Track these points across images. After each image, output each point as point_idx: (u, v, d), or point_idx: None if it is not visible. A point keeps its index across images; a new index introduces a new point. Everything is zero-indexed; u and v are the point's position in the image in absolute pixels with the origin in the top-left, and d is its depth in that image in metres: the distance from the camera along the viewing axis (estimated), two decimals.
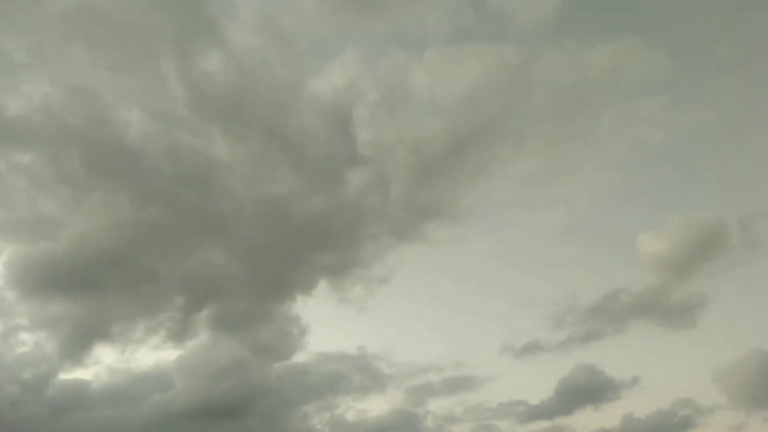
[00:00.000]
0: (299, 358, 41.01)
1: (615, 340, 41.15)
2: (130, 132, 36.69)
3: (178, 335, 37.30)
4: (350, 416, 40.20)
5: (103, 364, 37.62)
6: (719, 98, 44.51)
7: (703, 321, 39.04)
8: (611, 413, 39.29)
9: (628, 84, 46.17)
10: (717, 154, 45.43)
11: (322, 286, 41.84)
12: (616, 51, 45.39)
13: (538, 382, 43.12)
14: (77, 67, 36.93)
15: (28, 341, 35.32)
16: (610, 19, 47.90)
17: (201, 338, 38.43)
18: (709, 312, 38.90)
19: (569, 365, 41.38)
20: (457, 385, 42.43)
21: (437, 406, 42.28)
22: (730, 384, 36.24)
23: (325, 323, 44.43)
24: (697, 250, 39.85)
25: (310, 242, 40.76)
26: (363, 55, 45.99)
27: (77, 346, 35.29)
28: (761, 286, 38.69)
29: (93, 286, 35.40)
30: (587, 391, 39.87)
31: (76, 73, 36.98)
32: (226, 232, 38.51)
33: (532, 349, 42.09)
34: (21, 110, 34.39)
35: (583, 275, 47.69)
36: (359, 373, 41.86)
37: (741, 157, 43.68)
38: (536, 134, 47.17)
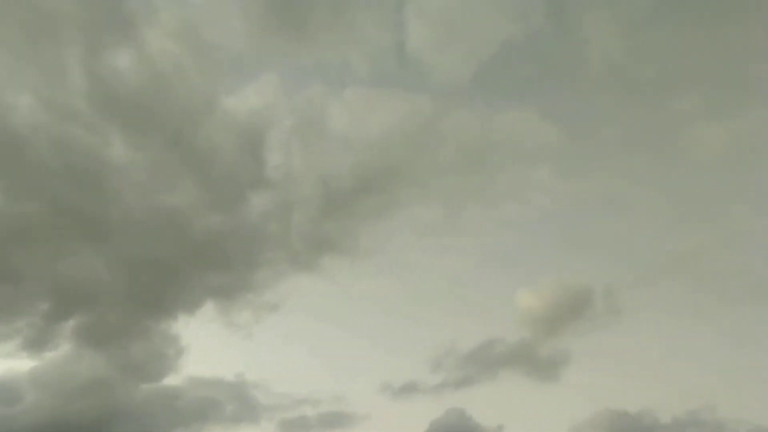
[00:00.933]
0: (171, 380, 39.34)
1: (486, 388, 43.92)
2: (15, 118, 34.18)
3: (36, 344, 34.18)
4: None
5: None
6: (602, 174, 50.36)
7: (565, 377, 42.89)
8: None
9: (524, 150, 50.95)
10: (593, 225, 50.94)
11: (209, 307, 40.96)
12: (517, 118, 50.27)
13: (411, 422, 44.46)
14: None
15: None
16: (515, 89, 52.84)
17: (62, 350, 35.52)
18: (571, 369, 42.87)
19: (441, 408, 43.41)
20: (333, 420, 42.62)
21: None
22: None
23: (206, 346, 42.96)
24: (566, 310, 44.14)
25: (202, 260, 39.82)
26: (284, 81, 46.95)
27: None
28: (617, 350, 43.27)
29: None
30: None
31: None
32: (110, 238, 36.48)
33: (409, 389, 43.76)
34: None
35: (465, 322, 50.56)
36: (234, 401, 40.75)
37: (613, 231, 49.32)
38: (439, 184, 50.33)
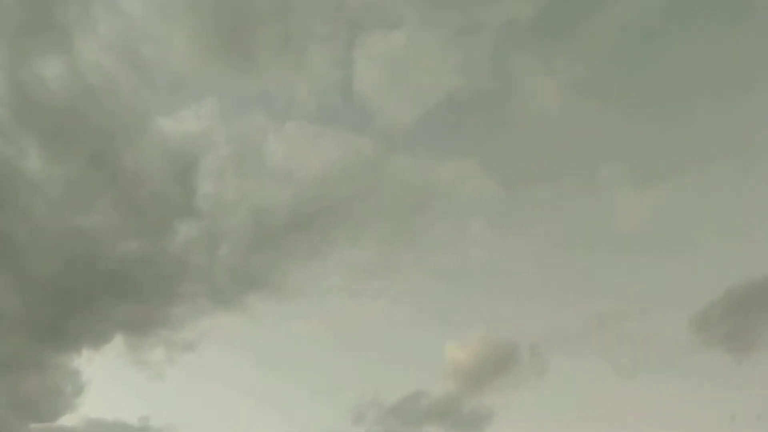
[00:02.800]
0: (66, 421, 36.56)
1: None
2: None
3: None
4: None
5: None
6: (535, 232, 52.77)
7: None
8: None
9: (462, 201, 52.73)
10: (525, 281, 52.87)
11: (117, 341, 38.69)
12: (457, 169, 52.08)
13: None
14: None
15: None
16: (457, 140, 55.01)
17: None
18: (494, 426, 43.51)
19: None
20: None
21: None
22: None
23: (110, 385, 40.30)
24: (493, 365, 45.05)
25: (115, 290, 37.69)
26: (224, 108, 46.56)
27: None
28: (540, 408, 44.41)
29: None
30: None
31: None
32: (12, 257, 34.00)
33: None
34: None
35: (392, 372, 50.41)
36: None
37: (543, 289, 51.34)
38: (375, 229, 50.84)
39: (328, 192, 48.22)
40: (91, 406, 41.27)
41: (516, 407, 43.00)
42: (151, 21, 43.79)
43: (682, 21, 47.62)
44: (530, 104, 52.00)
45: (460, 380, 45.51)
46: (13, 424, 33.13)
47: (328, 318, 50.77)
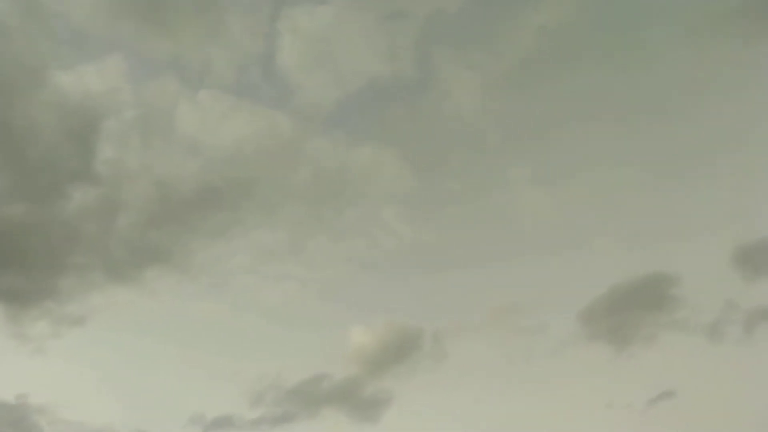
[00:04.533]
0: None
1: (306, 426, 44.24)
2: None
3: None
4: None
5: None
6: (443, 224, 55.01)
7: (386, 417, 45.13)
8: None
9: (376, 188, 53.85)
10: (431, 271, 55.04)
11: None
12: (374, 155, 53.04)
13: None
14: None
15: None
16: (376, 126, 55.84)
17: None
18: (392, 410, 45.29)
19: None
20: None
21: None
22: None
23: None
24: (395, 350, 46.81)
25: None
26: (132, 69, 44.18)
27: None
28: (439, 393, 46.70)
29: None
30: None
31: None
32: None
33: (223, 423, 42.22)
34: None
35: (295, 355, 50.68)
36: (10, 427, 35.77)
37: (447, 280, 53.77)
38: (287, 210, 50.69)
39: (240, 168, 47.42)
40: None
41: (415, 391, 45.11)
42: None
43: (598, 29, 51.49)
44: (449, 97, 54.01)
45: (362, 365, 46.94)
46: None
47: (232, 299, 50.08)
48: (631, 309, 44.32)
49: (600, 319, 43.70)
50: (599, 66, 52.26)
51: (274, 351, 51.32)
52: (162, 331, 48.64)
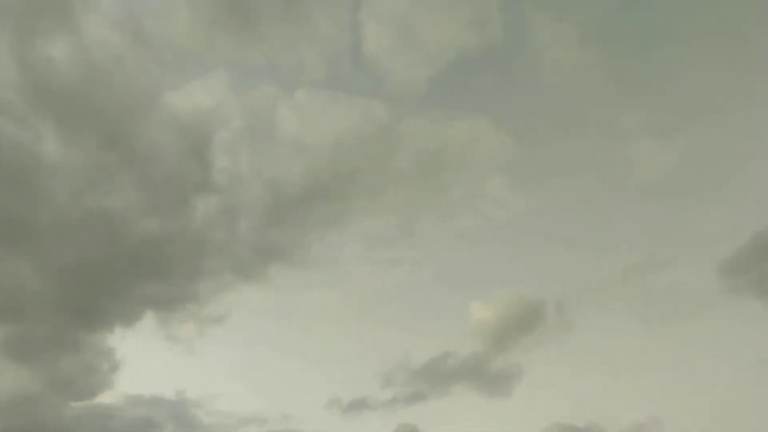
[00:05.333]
0: (105, 398, 38.22)
1: (438, 403, 45.04)
2: None
3: None
4: None
5: None
6: (554, 188, 53.08)
7: (517, 391, 44.74)
8: None
9: (478, 160, 52.97)
10: (545, 238, 53.46)
11: (148, 318, 40.04)
12: (472, 128, 52.12)
13: None
14: None
15: None
16: (470, 98, 54.88)
17: None
18: (522, 383, 44.77)
19: (392, 425, 44.21)
20: None
21: None
22: None
23: (145, 361, 41.86)
24: (519, 323, 46.11)
25: (140, 268, 38.83)
26: (233, 80, 46.73)
27: None
28: (568, 363, 45.55)
29: None
30: None
31: None
32: (38, 241, 35.07)
33: (358, 406, 44.27)
34: None
35: (417, 336, 51.66)
36: (174, 421, 39.91)
37: (564, 244, 51.96)
38: (392, 194, 51.39)
39: (343, 159, 48.69)
40: (128, 382, 43.15)
41: (544, 364, 44.26)
42: None
43: None
44: (544, 56, 51.65)
45: (486, 339, 46.75)
46: (54, 403, 34.82)
47: (351, 286, 51.98)
48: None
49: (744, 271, 40.03)
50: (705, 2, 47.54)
51: (398, 333, 52.65)
52: (289, 323, 51.72)
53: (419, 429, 43.50)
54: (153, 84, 40.81)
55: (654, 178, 48.59)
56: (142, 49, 40.62)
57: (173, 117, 41.12)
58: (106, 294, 37.41)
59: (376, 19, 50.21)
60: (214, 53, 46.38)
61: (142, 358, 41.52)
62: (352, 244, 51.07)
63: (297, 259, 46.48)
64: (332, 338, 52.29)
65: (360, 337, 53.18)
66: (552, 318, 45.62)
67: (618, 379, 42.90)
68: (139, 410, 39.03)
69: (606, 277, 46.36)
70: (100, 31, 38.49)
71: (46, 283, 35.11)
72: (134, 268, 38.71)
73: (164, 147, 40.41)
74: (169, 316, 40.67)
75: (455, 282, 52.59)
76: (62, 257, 35.79)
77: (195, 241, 41.49)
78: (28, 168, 34.50)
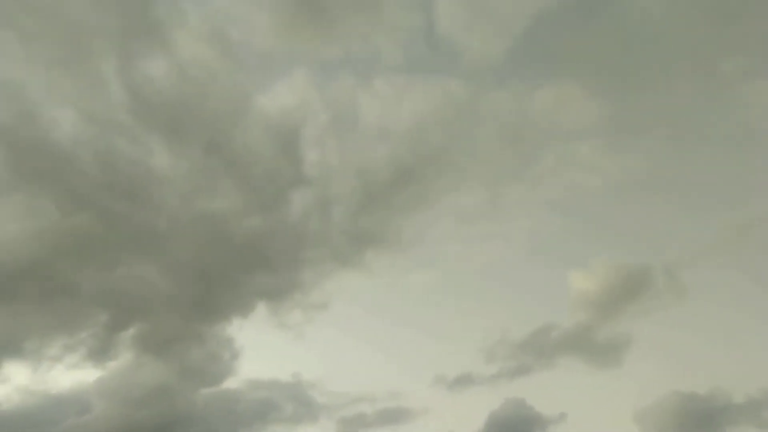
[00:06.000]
0: (230, 384, 41.54)
1: (544, 376, 44.88)
2: (60, 133, 36.54)
3: (99, 354, 36.76)
4: None
5: (13, 383, 36.52)
6: (648, 147, 50.54)
7: (628, 361, 43.50)
8: None
9: (566, 127, 51.39)
10: (641, 201, 51.17)
11: (260, 309, 42.98)
12: (556, 94, 50.62)
13: (469, 414, 45.76)
14: (7, 60, 36.57)
15: None
16: (552, 63, 53.20)
17: (124, 359, 38.05)
18: (633, 352, 43.44)
19: (499, 399, 44.60)
20: (391, 416, 44.33)
21: None
22: (649, 424, 40.54)
23: (260, 348, 45.15)
24: (624, 291, 44.64)
25: (249, 263, 41.81)
26: (313, 76, 48.53)
27: None
28: (681, 329, 43.66)
29: (4, 295, 34.37)
30: (516, 425, 42.91)
31: (5, 65, 36.61)
32: (158, 246, 38.72)
33: (463, 381, 45.15)
34: None
35: (516, 309, 51.50)
36: (292, 401, 42.83)
37: (667, 206, 49.52)
38: (477, 170, 51.26)
39: (425, 141, 49.20)
40: (248, 368, 46.61)
41: (656, 331, 42.70)
42: (233, 3, 46.23)
43: None
44: (631, 6, 48.90)
45: (589, 309, 45.75)
46: (186, 391, 38.51)
47: (444, 265, 52.63)
48: None
49: None
50: None
51: (497, 308, 52.79)
52: (390, 305, 53.36)
53: (527, 402, 43.70)
54: (242, 89, 43.39)
55: (763, 123, 44.93)
56: (229, 58, 43.25)
57: (264, 118, 43.61)
58: (221, 288, 40.66)
59: None
60: (294, 53, 48.37)
61: (258, 346, 44.76)
62: (443, 222, 51.69)
63: (390, 243, 47.90)
64: (432, 317, 53.37)
65: (459, 314, 53.85)
66: (660, 283, 43.86)
67: (740, 343, 40.60)
68: (260, 393, 42.27)
69: (718, 235, 43.73)
70: (191, 47, 41.41)
71: (169, 283, 38.78)
72: (244, 263, 41.75)
73: (258, 148, 42.99)
74: (278, 305, 43.48)
75: (550, 253, 51.76)
76: (180, 259, 39.34)
77: (295, 233, 43.97)
78: (143, 181, 38.15)
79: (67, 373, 37.59)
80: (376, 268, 47.75)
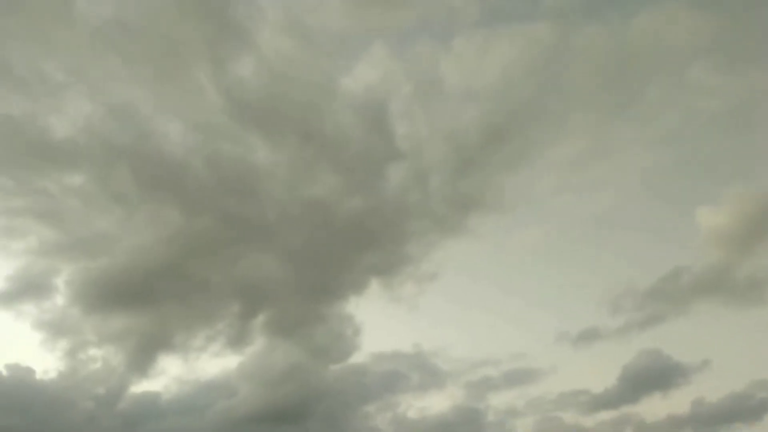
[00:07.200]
0: (356, 359, 43.46)
1: (679, 323, 42.39)
2: (171, 144, 39.68)
3: (237, 342, 40.32)
4: (411, 414, 42.80)
5: (169, 375, 41.25)
6: None
7: None
8: (680, 399, 40.64)
9: (672, 51, 47.08)
10: None
11: (373, 285, 44.30)
12: (658, 17, 46.28)
13: (599, 370, 44.67)
14: (115, 83, 40.08)
15: (97, 356, 38.54)
16: None
17: (258, 344, 41.33)
18: None
19: (631, 352, 42.82)
20: (516, 377, 44.38)
21: (498, 400, 44.56)
22: None
23: (379, 323, 47.00)
24: (762, 223, 40.75)
25: (357, 242, 43.24)
26: (391, 48, 48.20)
27: (142, 358, 38.52)
28: None
29: (150, 297, 38.59)
30: (653, 377, 41.22)
31: (113, 88, 40.12)
32: (272, 237, 41.22)
33: (589, 337, 43.80)
34: (67, 132, 37.53)
35: (638, 257, 48.90)
36: (417, 370, 44.24)
37: None
38: (577, 115, 48.62)
39: (514, 95, 47.31)
40: (370, 343, 48.71)
41: None
42: None
43: None
44: None
45: (723, 247, 42.39)
46: (316, 369, 41.05)
47: (552, 219, 51.04)
48: None
49: None
50: None
51: (616, 257, 50.53)
52: (500, 267, 52.89)
53: (664, 352, 41.62)
54: (327, 74, 44.23)
55: None
56: (310, 46, 44.16)
57: (350, 99, 44.19)
58: (334, 269, 42.60)
59: None
60: (369, 28, 48.25)
61: (376, 321, 46.60)
62: (546, 176, 49.94)
63: (493, 205, 47.03)
64: (546, 274, 52.23)
65: (575, 269, 52.25)
66: None
67: None
68: (385, 365, 44.06)
69: None
70: (274, 42, 42.67)
71: (286, 270, 41.25)
72: (351, 243, 43.28)
73: (349, 129, 43.81)
74: (390, 279, 44.63)
75: (671, 192, 48.45)
76: (293, 246, 41.64)
77: (395, 208, 44.61)
78: (249, 176, 40.52)
79: (212, 361, 41.80)
80: (482, 232, 47.32)
